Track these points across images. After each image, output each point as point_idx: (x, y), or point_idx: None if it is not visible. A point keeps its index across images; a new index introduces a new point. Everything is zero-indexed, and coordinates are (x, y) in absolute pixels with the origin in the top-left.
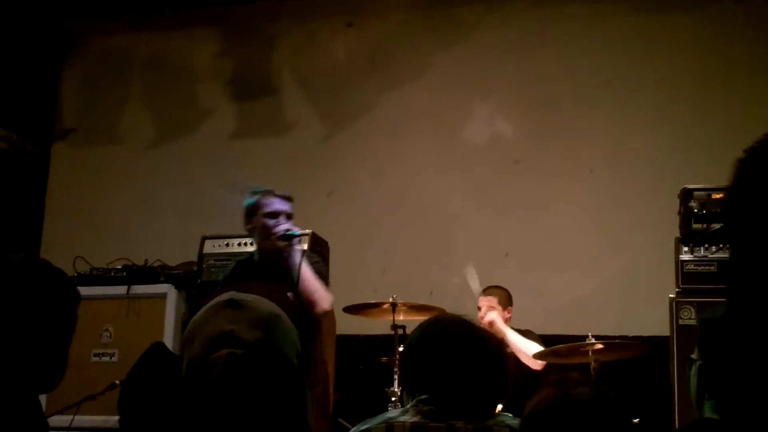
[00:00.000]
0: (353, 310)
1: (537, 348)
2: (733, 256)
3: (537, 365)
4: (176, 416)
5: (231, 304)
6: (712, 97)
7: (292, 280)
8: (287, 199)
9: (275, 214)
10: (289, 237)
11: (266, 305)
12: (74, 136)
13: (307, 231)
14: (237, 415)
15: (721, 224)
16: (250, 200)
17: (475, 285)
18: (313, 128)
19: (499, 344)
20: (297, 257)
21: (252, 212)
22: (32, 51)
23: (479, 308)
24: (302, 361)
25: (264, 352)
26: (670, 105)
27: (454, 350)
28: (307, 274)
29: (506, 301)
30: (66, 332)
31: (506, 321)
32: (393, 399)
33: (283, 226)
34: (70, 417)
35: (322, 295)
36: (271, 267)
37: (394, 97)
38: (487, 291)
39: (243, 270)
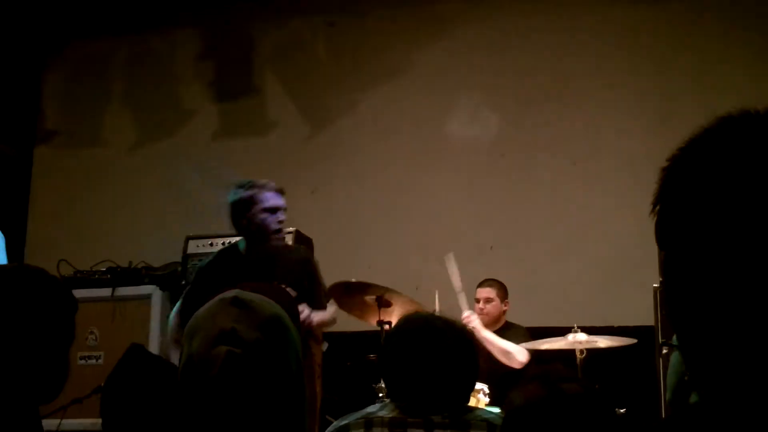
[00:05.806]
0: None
1: (516, 349)
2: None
3: (517, 365)
4: (158, 418)
5: (236, 302)
6: (692, 86)
7: (291, 278)
8: (281, 192)
9: (274, 210)
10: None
11: (271, 307)
12: (56, 139)
13: (291, 229)
14: (231, 415)
15: None
16: (243, 193)
17: (456, 280)
18: (296, 127)
19: (465, 336)
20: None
21: (247, 207)
22: (14, 54)
23: (477, 300)
24: (301, 367)
25: (262, 353)
26: (652, 95)
27: (418, 348)
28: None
29: (504, 293)
30: (64, 340)
31: (503, 313)
32: (380, 395)
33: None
34: (57, 421)
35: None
36: (261, 262)
37: (376, 95)
38: (486, 283)
39: (228, 260)
